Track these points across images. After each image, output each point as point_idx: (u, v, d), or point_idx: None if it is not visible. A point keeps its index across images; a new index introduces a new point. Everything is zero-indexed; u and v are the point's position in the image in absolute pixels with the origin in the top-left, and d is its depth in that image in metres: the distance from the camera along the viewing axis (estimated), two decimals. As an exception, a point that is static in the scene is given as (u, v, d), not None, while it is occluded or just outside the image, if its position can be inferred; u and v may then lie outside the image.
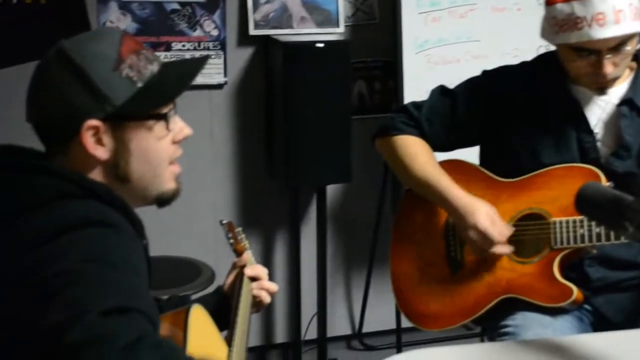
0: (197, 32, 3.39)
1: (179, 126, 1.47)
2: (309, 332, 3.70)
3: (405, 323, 3.59)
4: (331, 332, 3.72)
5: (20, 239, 1.24)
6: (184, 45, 3.39)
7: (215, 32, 3.41)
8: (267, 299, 1.89)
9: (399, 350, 3.61)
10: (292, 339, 3.73)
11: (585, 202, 1.54)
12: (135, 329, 1.12)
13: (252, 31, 3.42)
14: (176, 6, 3.35)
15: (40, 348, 1.11)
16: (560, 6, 2.04)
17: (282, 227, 3.71)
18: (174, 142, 1.46)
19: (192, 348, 1.41)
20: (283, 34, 3.39)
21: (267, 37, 3.43)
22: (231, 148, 3.58)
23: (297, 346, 3.67)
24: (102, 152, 1.38)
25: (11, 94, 3.17)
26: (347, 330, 3.93)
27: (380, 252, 3.67)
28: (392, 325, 3.67)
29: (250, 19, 3.40)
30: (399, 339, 3.61)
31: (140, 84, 1.39)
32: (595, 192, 1.53)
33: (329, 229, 3.65)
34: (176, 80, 1.44)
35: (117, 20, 3.27)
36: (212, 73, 3.40)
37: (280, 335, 3.81)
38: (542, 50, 3.22)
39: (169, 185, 1.47)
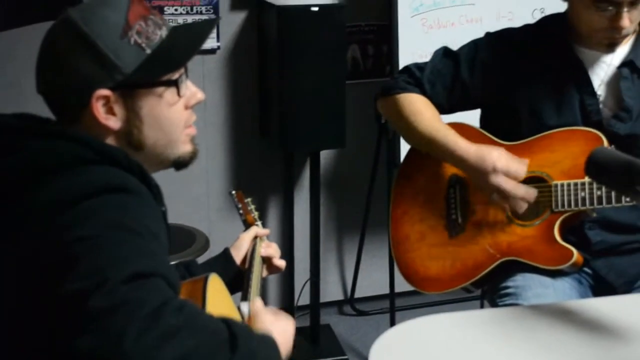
0: (190, -4, 3.35)
1: (192, 91, 1.45)
2: (302, 298, 3.71)
3: (399, 287, 3.62)
4: (324, 297, 3.74)
5: (41, 204, 1.22)
6: (176, 10, 3.34)
7: (208, -4, 3.37)
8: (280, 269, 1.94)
9: (392, 315, 3.63)
10: (285, 305, 3.74)
11: (597, 167, 1.53)
12: (158, 294, 1.12)
13: (244, -7, 3.39)
14: (169, -31, 3.30)
15: (63, 314, 1.10)
16: None
17: (275, 193, 3.70)
18: (187, 108, 1.44)
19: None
20: (277, -4, 3.35)
21: (261, 0, 3.39)
22: (224, 113, 3.55)
23: (290, 312, 3.67)
24: (113, 122, 1.36)
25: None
26: (339, 296, 3.95)
27: (373, 218, 3.68)
28: (385, 290, 3.68)
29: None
30: (392, 304, 3.62)
31: (149, 51, 1.36)
32: (607, 157, 1.53)
33: (322, 195, 3.64)
34: (185, 46, 1.41)
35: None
36: (204, 37, 3.35)
37: (273, 301, 3.82)
38: (537, 14, 3.23)
39: (185, 148, 1.46)
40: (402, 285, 2.79)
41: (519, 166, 2.11)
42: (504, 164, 2.10)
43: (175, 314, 1.11)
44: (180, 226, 3.18)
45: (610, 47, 2.12)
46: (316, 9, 3.19)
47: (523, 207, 2.12)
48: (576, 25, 2.14)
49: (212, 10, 3.38)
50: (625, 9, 2.03)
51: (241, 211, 1.96)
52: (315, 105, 3.26)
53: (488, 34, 2.31)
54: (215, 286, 1.51)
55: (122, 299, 1.08)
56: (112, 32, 1.33)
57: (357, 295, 3.91)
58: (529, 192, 2.10)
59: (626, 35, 2.11)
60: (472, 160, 2.13)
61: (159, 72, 1.38)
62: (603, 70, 2.18)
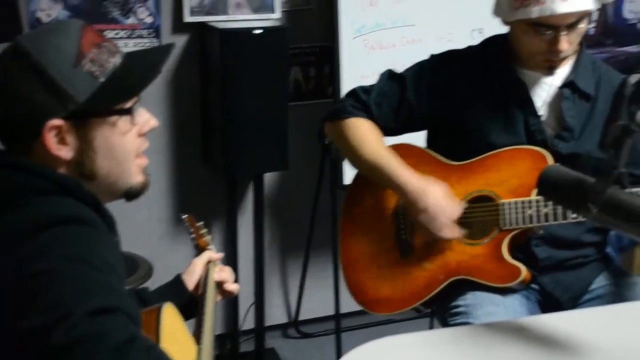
0: (131, 20, 3.31)
1: (144, 118, 1.42)
2: (246, 322, 3.68)
3: (344, 308, 3.62)
4: (268, 321, 3.72)
5: None
6: (117, 34, 3.30)
7: (149, 20, 3.34)
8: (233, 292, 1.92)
9: (337, 337, 3.61)
10: (230, 329, 3.70)
11: (548, 185, 1.55)
12: (122, 329, 1.10)
13: (187, 18, 3.35)
14: (109, -7, 3.27)
15: (26, 351, 1.07)
16: None
17: (218, 217, 3.67)
18: (140, 135, 1.42)
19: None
20: (219, 20, 3.33)
21: (203, 24, 3.37)
22: (166, 137, 3.51)
23: (234, 336, 3.65)
24: (65, 152, 1.32)
25: None
26: (284, 319, 3.92)
27: (317, 240, 3.67)
28: (330, 311, 3.68)
29: (185, 6, 3.33)
30: (338, 325, 3.61)
31: (102, 79, 1.33)
32: (558, 175, 1.54)
33: (265, 218, 3.63)
34: (140, 73, 1.39)
35: (48, 8, 3.16)
36: (146, 61, 3.32)
37: (218, 326, 3.77)
38: (476, 34, 3.28)
39: (137, 178, 1.43)
40: (347, 305, 2.80)
41: (454, 208, 2.14)
42: (440, 204, 2.13)
43: (143, 354, 1.09)
44: (123, 253, 3.11)
45: (550, 69, 2.16)
46: (258, 31, 3.20)
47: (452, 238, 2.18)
48: (516, 48, 2.18)
49: (153, 34, 3.35)
50: (564, 32, 2.07)
51: (193, 235, 1.94)
52: (257, 128, 3.25)
53: (433, 56, 2.33)
54: (169, 316, 1.48)
55: (85, 334, 1.06)
56: (64, 60, 1.30)
57: (301, 317, 3.90)
58: (455, 233, 2.15)
59: (566, 57, 2.15)
60: (412, 192, 2.16)
61: (113, 101, 1.35)
62: (545, 90, 2.22)
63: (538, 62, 2.16)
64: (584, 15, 2.07)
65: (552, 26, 2.06)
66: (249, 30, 3.20)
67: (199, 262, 1.87)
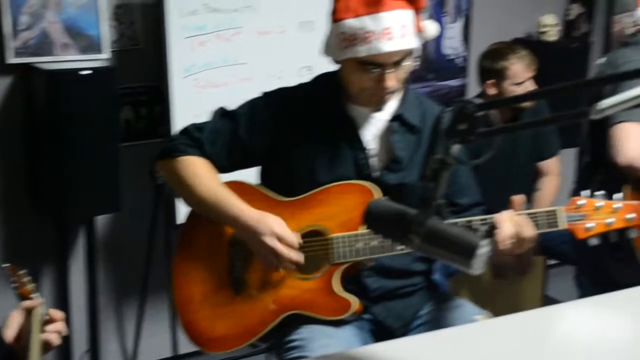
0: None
1: None
2: (82, 369, 3.58)
3: (182, 349, 3.58)
4: (105, 367, 3.63)
5: None
6: None
7: (-31, 62, 3.21)
8: (56, 341, 1.79)
9: (177, 378, 3.57)
10: (63, 378, 3.58)
11: (373, 219, 1.59)
12: None
13: (11, 59, 3.24)
14: None
15: None
16: (349, 21, 2.11)
17: (49, 264, 3.54)
18: None
19: None
20: (45, 61, 3.24)
21: (28, 65, 3.26)
22: (-10, 183, 3.38)
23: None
24: None
25: None
26: (121, 364, 3.83)
27: (153, 281, 3.62)
28: (168, 353, 3.62)
29: (8, 47, 3.22)
30: (177, 366, 3.57)
31: None
32: (382, 208, 1.59)
33: (99, 261, 3.54)
34: None
35: None
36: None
37: (50, 376, 3.64)
38: (305, 72, 3.36)
39: None
40: (186, 346, 2.76)
41: (293, 237, 2.17)
42: (281, 229, 2.16)
43: None
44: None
45: (379, 105, 2.23)
46: (86, 72, 3.13)
47: (292, 267, 2.20)
48: (346, 85, 2.24)
49: (-25, 76, 3.23)
50: (390, 70, 2.14)
51: (15, 284, 1.86)
52: (88, 171, 3.17)
53: (265, 94, 2.35)
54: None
55: None
56: None
57: (140, 360, 3.82)
58: (300, 257, 2.18)
59: (394, 92, 2.23)
60: (251, 223, 2.17)
61: None
62: (374, 125, 2.29)
63: (367, 98, 2.23)
64: (408, 53, 2.16)
65: (379, 64, 2.14)
66: (77, 71, 3.13)
67: (16, 313, 1.79)
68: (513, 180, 3.78)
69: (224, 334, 2.27)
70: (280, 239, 2.15)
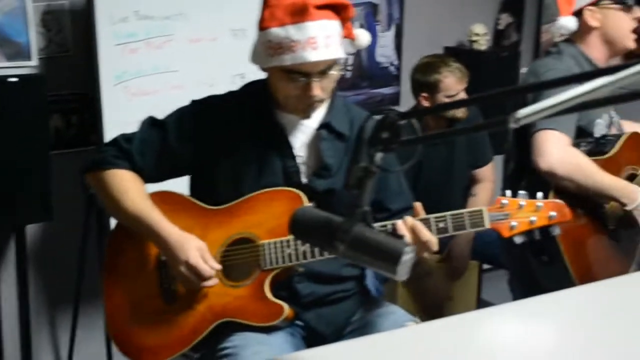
0: None
1: None
2: (14, 381, 3.51)
3: (118, 358, 3.54)
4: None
5: None
6: None
7: None
8: None
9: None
10: (-5, 391, 3.52)
11: (298, 227, 1.60)
12: None
13: (-64, 67, 3.19)
14: None
15: None
16: (275, 30, 2.12)
17: (-22, 273, 3.49)
18: None
19: None
20: (-29, 69, 3.20)
21: (-47, 73, 3.21)
22: None
23: (0, 399, 3.46)
24: None
25: None
26: (55, 374, 3.78)
27: (86, 290, 3.58)
28: (103, 362, 3.59)
29: None
30: (112, 376, 3.54)
31: None
32: (307, 216, 1.60)
33: (30, 271, 3.48)
34: None
35: None
36: None
37: (-18, 389, 3.57)
38: (237, 80, 3.36)
39: None
40: (120, 356, 2.71)
41: (209, 269, 2.18)
42: (196, 261, 2.16)
43: None
44: None
45: (306, 113, 2.25)
46: (14, 80, 3.09)
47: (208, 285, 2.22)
48: (274, 93, 2.26)
49: None
50: (316, 79, 2.16)
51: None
52: (18, 179, 3.13)
53: (194, 102, 2.35)
54: None
55: None
56: None
57: (74, 370, 3.77)
58: (214, 281, 2.20)
59: (321, 101, 2.25)
60: (171, 246, 2.17)
61: None
62: (303, 132, 2.31)
63: (294, 106, 2.24)
64: (334, 63, 2.18)
65: (304, 73, 2.15)
66: (4, 78, 3.08)
67: None
68: (451, 186, 3.85)
69: (155, 344, 2.26)
70: (194, 270, 2.16)
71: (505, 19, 4.95)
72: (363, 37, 2.29)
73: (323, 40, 2.11)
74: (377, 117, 1.54)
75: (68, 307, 3.66)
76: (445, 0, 4.73)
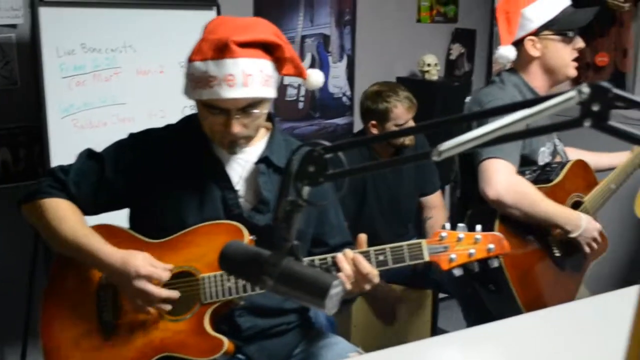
0: None
1: None
2: None
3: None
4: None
5: None
6: None
7: None
8: None
9: None
10: None
11: (227, 261, 1.59)
12: None
13: None
14: None
15: None
16: (197, 64, 2.12)
17: None
18: None
19: None
20: None
21: None
22: None
23: None
24: None
25: None
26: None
27: (34, 327, 3.52)
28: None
29: None
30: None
31: None
32: (236, 250, 1.60)
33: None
34: None
35: None
36: None
37: None
38: (188, 111, 3.36)
39: None
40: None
41: (162, 272, 2.15)
42: (147, 270, 2.13)
43: None
44: None
45: (231, 148, 2.23)
46: (-42, 113, 3.08)
47: (167, 307, 2.17)
48: (202, 126, 2.25)
49: None
50: (237, 116, 2.15)
51: None
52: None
53: (131, 135, 2.34)
54: None
55: None
56: None
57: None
58: (172, 293, 2.16)
59: (245, 138, 2.23)
60: (117, 265, 2.14)
61: None
62: (241, 166, 2.30)
63: (219, 141, 2.23)
64: (258, 101, 2.16)
65: (222, 109, 2.14)
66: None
67: None
68: (400, 213, 3.87)
69: (95, 381, 2.23)
70: (149, 279, 2.13)
71: (457, 49, 5.01)
72: (316, 77, 2.26)
73: (241, 79, 2.08)
74: (307, 148, 1.55)
75: (18, 340, 3.61)
76: (397, 31, 4.78)
